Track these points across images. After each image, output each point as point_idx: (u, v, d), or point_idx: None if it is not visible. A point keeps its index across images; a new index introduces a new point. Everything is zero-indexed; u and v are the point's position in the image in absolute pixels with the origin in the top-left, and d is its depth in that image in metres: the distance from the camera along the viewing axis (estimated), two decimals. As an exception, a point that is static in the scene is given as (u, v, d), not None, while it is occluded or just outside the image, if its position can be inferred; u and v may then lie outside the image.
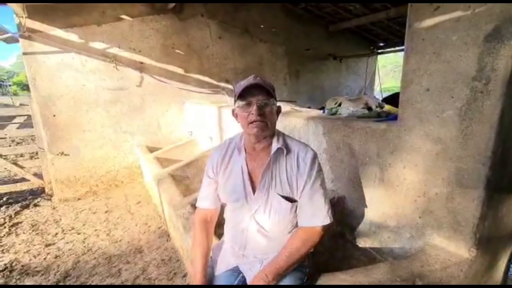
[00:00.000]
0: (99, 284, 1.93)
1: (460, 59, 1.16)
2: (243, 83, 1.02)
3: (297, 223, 1.11)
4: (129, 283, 1.92)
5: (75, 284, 1.95)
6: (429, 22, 1.24)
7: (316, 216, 1.05)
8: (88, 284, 1.94)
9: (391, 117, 1.59)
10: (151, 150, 3.67)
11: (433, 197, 1.32)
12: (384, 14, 4.74)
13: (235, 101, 1.06)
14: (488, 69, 1.08)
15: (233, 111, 1.11)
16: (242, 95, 1.01)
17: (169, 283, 1.89)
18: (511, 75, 1.04)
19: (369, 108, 1.95)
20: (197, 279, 1.09)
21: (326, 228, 1.06)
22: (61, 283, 1.96)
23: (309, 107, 5.17)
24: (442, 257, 1.25)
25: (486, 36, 1.07)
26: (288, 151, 1.08)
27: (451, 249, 1.27)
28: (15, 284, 1.98)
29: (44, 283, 1.97)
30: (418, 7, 1.28)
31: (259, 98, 1.01)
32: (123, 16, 3.51)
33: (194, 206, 1.85)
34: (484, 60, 1.09)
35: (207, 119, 3.44)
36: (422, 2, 1.25)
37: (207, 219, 1.20)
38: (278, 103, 1.10)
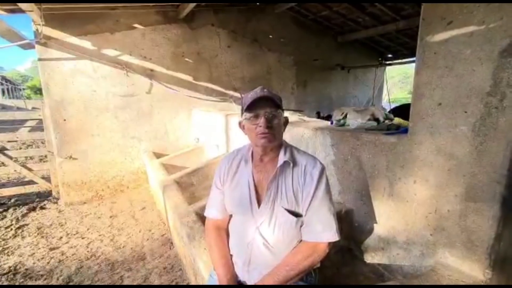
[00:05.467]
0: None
1: (473, 74, 1.14)
2: (251, 95, 1.02)
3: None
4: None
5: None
6: (441, 36, 1.23)
7: (322, 231, 1.01)
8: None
9: (401, 130, 1.56)
10: (158, 156, 3.69)
11: (445, 214, 1.28)
12: (393, 26, 4.75)
13: (242, 113, 1.06)
14: (504, 85, 1.06)
15: (240, 123, 1.11)
16: (250, 107, 1.01)
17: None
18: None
19: (376, 120, 1.92)
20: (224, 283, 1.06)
21: (331, 245, 1.03)
22: (63, 289, 1.96)
23: (318, 113, 5.10)
24: (455, 278, 1.19)
25: (501, 51, 1.05)
26: (295, 164, 1.07)
27: (465, 270, 1.22)
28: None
29: (46, 288, 1.97)
30: (430, 21, 1.27)
31: (267, 110, 1.00)
32: (136, 25, 3.60)
33: (199, 215, 1.83)
34: (499, 75, 1.07)
35: (214, 127, 3.46)
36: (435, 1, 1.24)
37: (218, 226, 1.20)
38: (286, 113, 1.09)
